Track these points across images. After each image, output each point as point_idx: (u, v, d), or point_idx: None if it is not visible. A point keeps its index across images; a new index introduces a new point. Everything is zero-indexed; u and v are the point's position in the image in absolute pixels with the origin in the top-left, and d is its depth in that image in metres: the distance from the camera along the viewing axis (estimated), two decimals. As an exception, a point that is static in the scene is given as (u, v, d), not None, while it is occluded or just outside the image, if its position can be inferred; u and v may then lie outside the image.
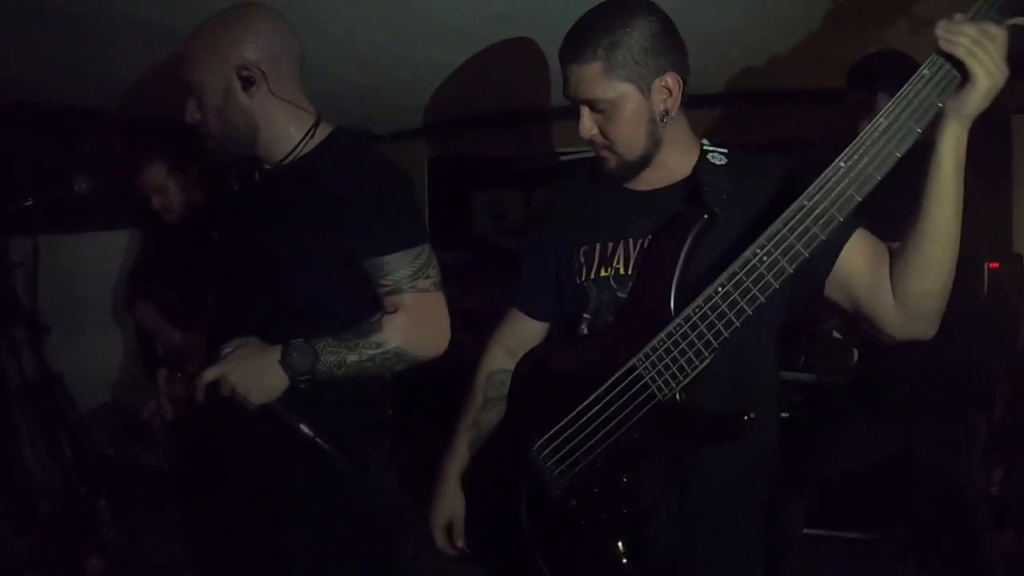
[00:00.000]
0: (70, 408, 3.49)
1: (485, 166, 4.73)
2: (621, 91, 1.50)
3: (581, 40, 1.49)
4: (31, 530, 3.43)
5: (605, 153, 1.59)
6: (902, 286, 1.43)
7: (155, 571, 3.35)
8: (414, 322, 1.70)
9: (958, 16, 1.23)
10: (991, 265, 3.54)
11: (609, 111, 1.52)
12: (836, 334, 1.60)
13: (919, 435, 2.49)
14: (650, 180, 1.63)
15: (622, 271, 1.59)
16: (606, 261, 1.61)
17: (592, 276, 1.63)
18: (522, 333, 1.85)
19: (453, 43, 2.90)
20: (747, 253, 1.34)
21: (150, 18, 2.38)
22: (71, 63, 2.83)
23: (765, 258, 1.33)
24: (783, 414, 3.44)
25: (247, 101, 1.71)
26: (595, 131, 1.57)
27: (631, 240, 1.60)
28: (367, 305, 1.75)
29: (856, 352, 2.83)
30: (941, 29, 1.23)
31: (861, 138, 1.27)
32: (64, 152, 3.34)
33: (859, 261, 1.48)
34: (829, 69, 2.98)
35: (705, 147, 1.64)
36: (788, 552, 2.73)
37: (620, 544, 1.54)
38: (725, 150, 1.63)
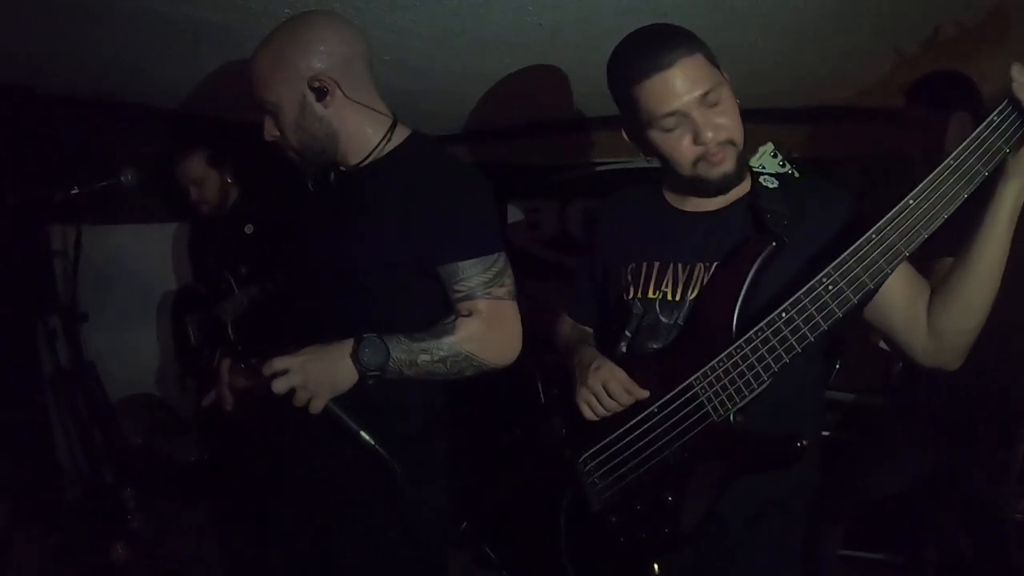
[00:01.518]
0: (102, 397, 3.54)
1: (521, 175, 4.74)
2: (723, 76, 1.51)
3: (674, 40, 1.47)
4: (58, 516, 3.46)
5: (728, 151, 1.51)
6: (940, 323, 1.45)
7: (178, 561, 3.36)
8: (488, 328, 1.67)
9: None
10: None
11: (721, 99, 1.48)
12: (883, 345, 1.60)
13: (956, 457, 2.46)
14: (703, 201, 1.62)
15: (670, 296, 1.59)
16: (655, 283, 1.62)
17: (639, 295, 1.63)
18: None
19: (498, 54, 2.90)
20: (813, 281, 1.36)
21: (189, 15, 2.41)
22: (116, 58, 2.86)
23: (831, 287, 1.35)
24: (825, 433, 3.44)
25: (323, 111, 1.69)
26: (722, 121, 1.49)
27: (680, 264, 1.59)
28: (441, 310, 1.72)
29: (900, 364, 2.81)
30: (1016, 72, 1.24)
31: (931, 178, 1.30)
32: (109, 144, 3.37)
33: (900, 294, 1.48)
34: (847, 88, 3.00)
35: (753, 168, 1.66)
36: (824, 570, 2.71)
37: (656, 566, 1.54)
38: (772, 172, 1.64)
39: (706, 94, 1.45)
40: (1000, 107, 1.28)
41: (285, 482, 1.92)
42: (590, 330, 1.91)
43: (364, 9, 2.42)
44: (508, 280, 1.71)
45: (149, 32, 2.55)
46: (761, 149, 2.22)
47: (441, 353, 1.63)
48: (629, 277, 1.66)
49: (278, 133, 1.74)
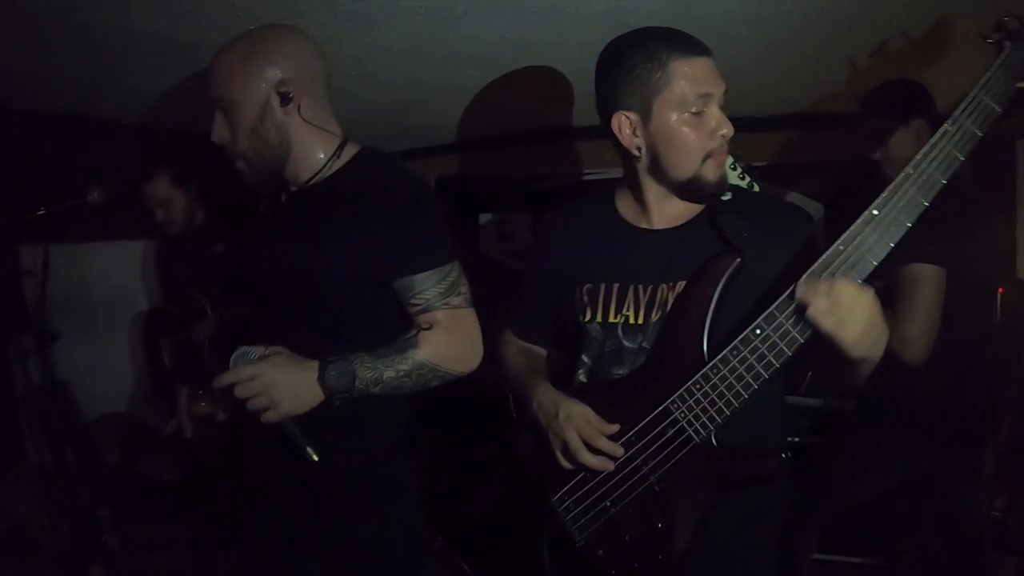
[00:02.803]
0: (75, 416, 3.51)
1: (493, 186, 4.73)
2: None
3: (697, 40, 1.50)
4: (34, 537, 3.42)
5: (727, 152, 1.54)
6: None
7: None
8: (449, 338, 1.67)
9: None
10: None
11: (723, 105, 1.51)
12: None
13: (927, 461, 2.48)
14: (663, 216, 1.60)
15: (632, 320, 1.56)
16: (615, 306, 1.58)
17: (598, 320, 1.60)
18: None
19: (466, 67, 2.91)
20: (785, 295, 1.35)
21: (162, 33, 2.40)
22: (85, 74, 2.84)
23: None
24: (790, 439, 3.46)
25: (282, 118, 1.69)
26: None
27: (641, 286, 1.57)
28: (398, 324, 1.72)
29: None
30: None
31: (892, 188, 1.32)
32: (76, 162, 3.35)
33: None
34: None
35: None
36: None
37: None
38: (731, 185, 1.63)
39: (724, 93, 1.49)
40: (952, 117, 1.31)
41: (258, 500, 1.90)
42: (540, 351, 1.86)
43: (331, 24, 2.43)
44: (464, 288, 1.71)
45: (118, 49, 2.55)
46: None
47: (405, 368, 1.63)
48: (585, 299, 1.62)
49: (228, 135, 1.72)
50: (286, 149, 1.72)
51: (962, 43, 2.48)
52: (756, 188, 2.20)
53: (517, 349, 1.84)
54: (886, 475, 2.53)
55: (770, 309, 1.37)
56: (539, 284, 1.78)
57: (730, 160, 1.76)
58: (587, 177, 4.15)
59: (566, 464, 1.55)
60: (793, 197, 3.91)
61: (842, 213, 3.82)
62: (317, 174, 1.76)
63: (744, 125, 3.70)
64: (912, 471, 2.52)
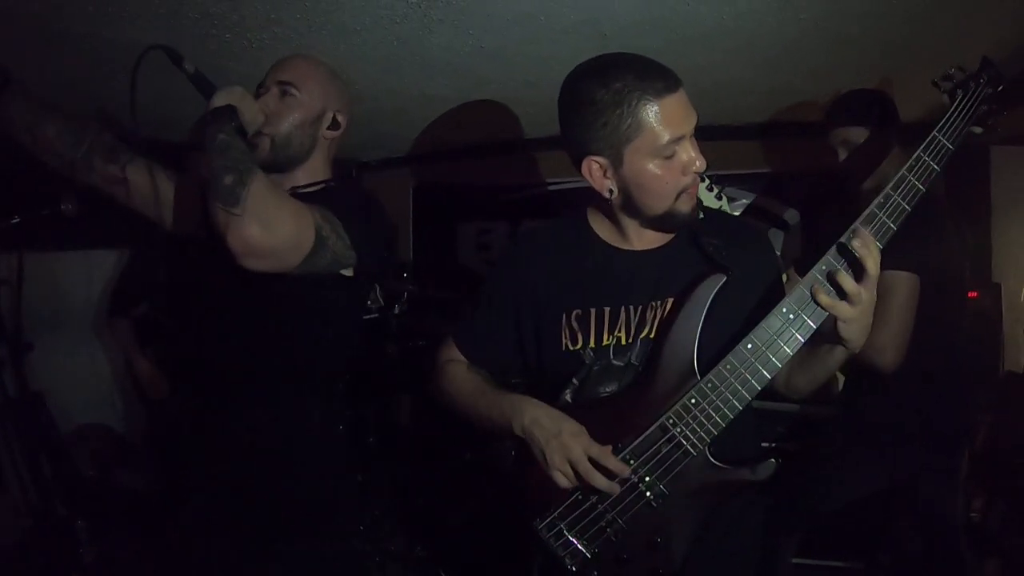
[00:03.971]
0: (51, 427, 3.48)
1: (470, 196, 4.74)
2: None
3: (666, 68, 1.45)
4: (10, 549, 3.39)
5: (698, 185, 1.54)
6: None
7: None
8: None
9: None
10: (970, 294, 3.59)
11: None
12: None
13: (902, 464, 2.50)
14: (642, 238, 1.60)
15: (623, 340, 1.56)
16: (607, 329, 1.57)
17: (591, 344, 1.58)
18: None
19: (442, 76, 2.93)
20: (772, 313, 1.42)
21: (139, 41, 2.38)
22: (61, 82, 2.83)
23: (791, 316, 1.41)
24: (764, 444, 3.48)
25: (321, 135, 1.87)
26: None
27: (632, 307, 1.57)
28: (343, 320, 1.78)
29: (841, 380, 2.86)
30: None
31: (866, 216, 1.41)
32: (50, 170, 3.33)
33: None
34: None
35: None
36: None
37: None
38: (705, 206, 1.64)
39: (696, 124, 1.47)
40: (915, 155, 1.44)
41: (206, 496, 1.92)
42: (484, 373, 1.78)
43: (307, 32, 2.43)
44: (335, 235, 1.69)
45: (94, 57, 2.55)
46: None
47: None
48: (575, 325, 1.59)
49: (274, 112, 1.80)
50: (304, 157, 1.86)
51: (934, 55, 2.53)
52: (726, 206, 2.23)
53: (466, 366, 1.75)
54: (862, 480, 2.55)
55: (760, 325, 1.41)
56: (503, 308, 1.71)
57: (707, 182, 1.78)
58: (564, 186, 4.17)
59: (565, 483, 1.48)
60: (770, 204, 3.95)
61: (816, 220, 3.87)
62: (305, 187, 1.85)
63: (720, 134, 3.78)
64: (888, 475, 2.53)
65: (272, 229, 1.52)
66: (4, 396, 3.36)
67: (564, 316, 1.60)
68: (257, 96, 1.80)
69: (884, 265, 2.11)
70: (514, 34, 2.48)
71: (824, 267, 1.39)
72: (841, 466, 2.55)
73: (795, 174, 3.82)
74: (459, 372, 1.72)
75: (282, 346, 1.77)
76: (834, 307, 1.35)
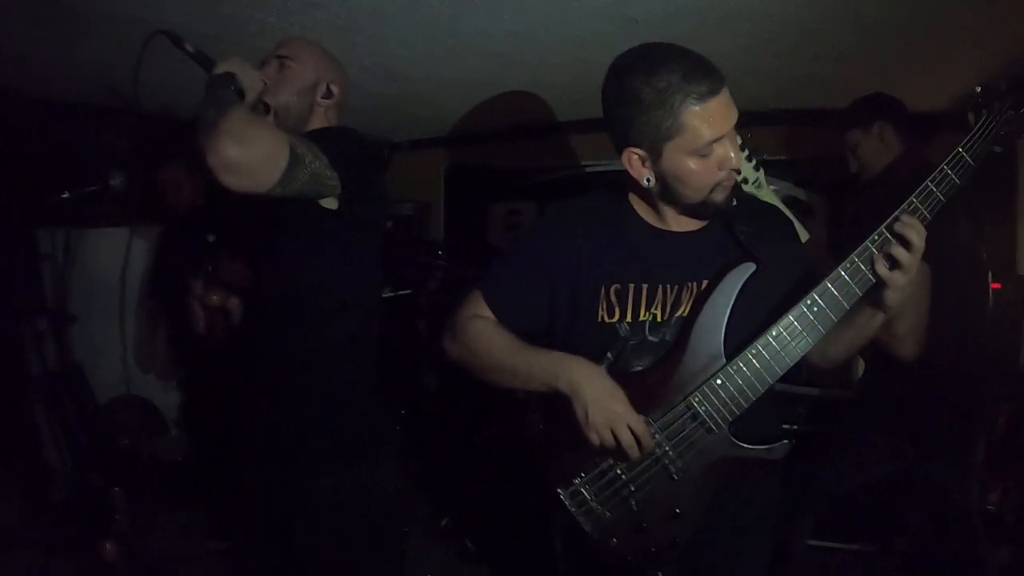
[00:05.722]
0: (89, 398, 3.58)
1: (501, 177, 4.80)
2: None
3: (713, 66, 1.48)
4: (47, 515, 3.50)
5: (734, 179, 1.58)
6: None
7: (166, 559, 3.41)
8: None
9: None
10: (993, 286, 3.61)
11: (734, 132, 1.54)
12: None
13: (920, 452, 2.54)
14: (679, 222, 1.65)
15: (659, 318, 1.62)
16: (645, 305, 1.62)
17: (628, 319, 1.62)
18: None
19: (475, 60, 2.99)
20: (798, 307, 1.49)
21: (178, 24, 2.47)
22: (103, 64, 2.92)
23: (815, 308, 1.49)
24: (787, 426, 3.52)
25: (316, 103, 2.07)
26: (738, 149, 1.55)
27: (669, 285, 1.62)
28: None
29: (862, 365, 2.89)
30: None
31: (896, 216, 1.47)
32: (96, 147, 3.44)
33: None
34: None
35: None
36: (792, 562, 2.77)
37: (660, 574, 1.62)
38: (742, 178, 1.72)
39: (734, 127, 1.52)
40: (936, 171, 1.49)
41: (249, 471, 2.07)
42: None
43: (347, 16, 2.50)
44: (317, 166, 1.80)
45: (136, 40, 2.61)
46: None
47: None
48: (613, 298, 1.64)
49: (272, 80, 2.01)
50: (303, 123, 2.06)
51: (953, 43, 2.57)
52: (762, 178, 2.27)
53: (495, 322, 1.72)
54: (877, 464, 2.60)
55: (786, 317, 1.49)
56: (539, 271, 1.70)
57: (745, 152, 1.83)
58: (595, 168, 4.23)
59: (599, 444, 1.52)
60: (796, 190, 3.98)
61: (841, 206, 3.89)
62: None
63: (744, 120, 3.80)
64: (903, 461, 2.57)
65: (245, 145, 1.63)
66: (44, 368, 3.48)
67: (603, 289, 1.64)
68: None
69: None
70: (545, 18, 2.53)
71: (873, 244, 1.47)
72: (857, 449, 2.60)
73: (819, 161, 3.84)
74: (489, 327, 1.71)
75: (297, 279, 1.96)
76: (890, 277, 1.44)
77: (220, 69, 1.80)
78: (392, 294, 4.02)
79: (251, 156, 1.64)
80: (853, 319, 1.55)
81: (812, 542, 3.49)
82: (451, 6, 2.44)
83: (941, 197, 1.48)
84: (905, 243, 1.42)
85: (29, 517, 3.47)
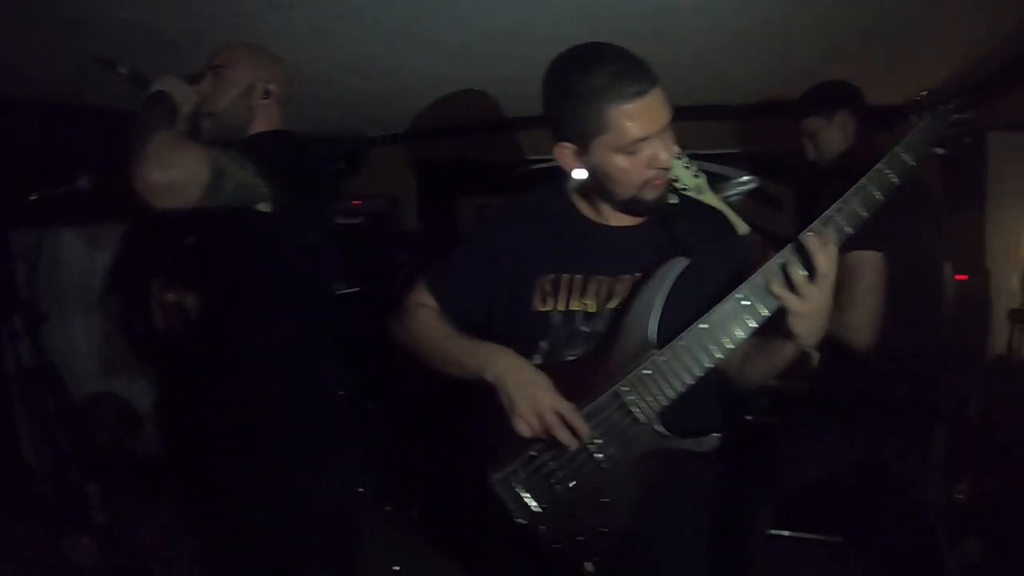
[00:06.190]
0: (65, 395, 3.60)
1: (471, 172, 4.81)
2: None
3: (646, 68, 1.50)
4: (26, 513, 3.52)
5: (667, 176, 1.60)
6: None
7: (143, 554, 3.43)
8: None
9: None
10: (958, 277, 3.64)
11: (669, 131, 1.56)
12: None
13: (876, 442, 2.56)
14: (618, 217, 1.69)
15: (591, 308, 1.64)
16: (576, 295, 1.66)
17: (559, 307, 1.66)
18: None
19: (444, 56, 3.01)
20: (729, 297, 1.50)
21: (151, 24, 2.49)
22: (75, 64, 2.91)
23: (744, 302, 1.49)
24: (748, 418, 3.56)
25: (255, 105, 2.14)
26: (672, 149, 1.56)
27: (602, 277, 1.65)
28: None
29: (816, 357, 2.89)
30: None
31: (827, 213, 1.48)
32: (66, 149, 3.43)
33: None
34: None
35: None
36: (754, 552, 2.80)
37: (590, 564, 1.66)
38: (680, 187, 1.75)
39: (668, 122, 1.54)
40: (875, 167, 1.50)
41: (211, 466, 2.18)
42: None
43: (319, 13, 2.52)
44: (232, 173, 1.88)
45: (108, 39, 2.62)
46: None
47: None
48: (547, 288, 1.68)
49: (210, 92, 2.08)
50: (246, 125, 2.14)
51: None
52: (703, 185, 2.29)
53: (437, 311, 1.79)
54: (836, 455, 2.62)
55: (717, 308, 1.50)
56: (480, 262, 1.77)
57: (685, 160, 1.86)
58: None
59: (527, 432, 1.55)
60: (763, 183, 4.00)
61: (811, 200, 3.91)
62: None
63: (710, 114, 3.82)
64: (862, 452, 2.59)
65: (168, 169, 1.75)
66: (20, 366, 3.50)
67: (539, 278, 1.68)
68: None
69: (850, 245, 2.19)
70: (512, 16, 2.56)
71: (781, 259, 1.46)
72: (815, 441, 2.61)
73: (786, 154, 3.87)
74: (430, 316, 1.77)
75: (238, 279, 2.07)
76: (785, 298, 1.43)
77: (154, 88, 1.89)
78: (355, 289, 4.02)
79: (173, 178, 1.76)
80: (766, 343, 1.57)
81: (780, 532, 3.55)
82: (420, 4, 2.45)
83: (878, 196, 1.49)
84: (811, 265, 1.41)
85: (9, 514, 3.48)
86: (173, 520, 3.71)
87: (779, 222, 3.96)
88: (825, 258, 1.40)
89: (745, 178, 3.87)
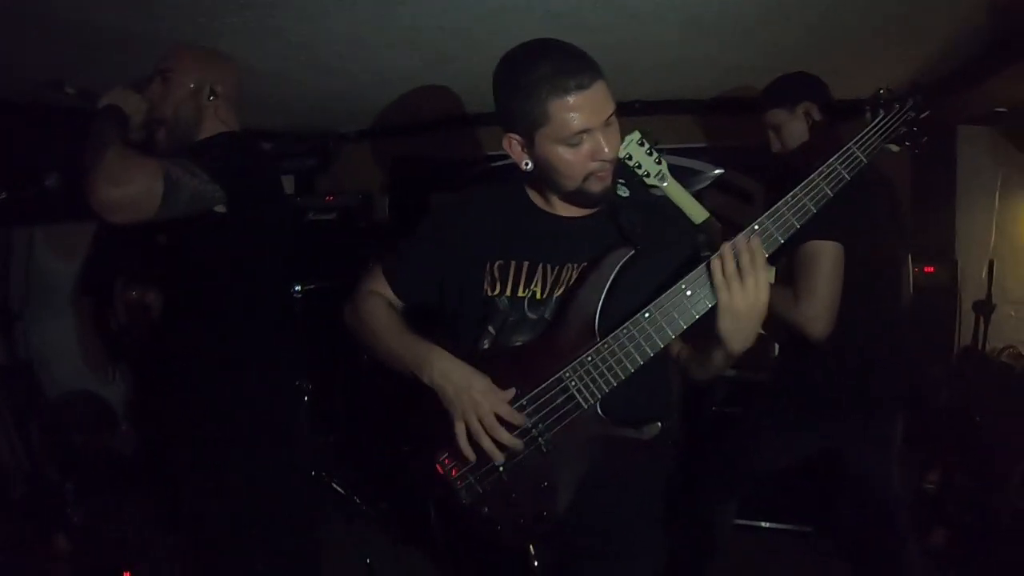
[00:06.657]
0: (39, 395, 3.61)
1: (443, 167, 4.82)
2: None
3: (589, 62, 1.53)
4: (2, 513, 3.53)
5: (612, 168, 1.62)
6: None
7: (118, 552, 3.44)
8: None
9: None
10: (927, 269, 3.69)
11: (614, 121, 1.60)
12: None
13: (835, 432, 2.58)
14: (568, 208, 1.73)
15: (538, 295, 1.68)
16: (524, 281, 1.70)
17: (506, 293, 1.70)
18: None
19: (408, 53, 3.03)
20: (673, 289, 1.55)
21: (118, 25, 2.49)
22: (44, 64, 2.93)
23: (688, 292, 1.54)
24: (711, 408, 3.60)
25: (203, 106, 2.15)
26: (615, 141, 1.59)
27: (550, 265, 1.70)
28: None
29: (776, 347, 2.93)
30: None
31: (776, 207, 1.55)
32: (35, 148, 3.43)
33: None
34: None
35: (620, 157, 1.77)
36: (720, 541, 2.84)
37: (532, 547, 1.69)
38: (622, 180, 1.76)
39: (611, 115, 1.57)
40: (827, 163, 1.56)
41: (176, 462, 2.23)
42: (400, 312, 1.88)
43: (277, 13, 2.53)
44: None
45: (76, 40, 2.63)
46: (627, 138, 2.34)
47: None
48: (496, 273, 1.72)
49: (158, 98, 2.12)
50: (197, 127, 2.17)
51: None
52: (665, 171, 2.32)
53: (387, 302, 1.84)
54: (796, 445, 2.64)
55: (660, 298, 1.55)
56: (434, 248, 1.81)
57: (638, 136, 1.89)
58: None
59: (471, 430, 1.60)
60: (734, 176, 4.03)
61: (780, 193, 3.94)
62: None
63: (674, 108, 3.84)
64: (821, 442, 2.62)
65: (121, 185, 1.79)
66: (-5, 364, 3.51)
67: (488, 264, 1.72)
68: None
69: (808, 235, 2.21)
70: (473, 14, 2.57)
71: (716, 254, 1.51)
72: (775, 431, 2.62)
73: (755, 148, 3.91)
74: (379, 305, 1.82)
75: (194, 277, 2.11)
76: (717, 289, 1.49)
77: (103, 102, 1.93)
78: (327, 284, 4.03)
79: (127, 194, 1.80)
80: (703, 347, 1.64)
81: (751, 523, 3.59)
82: (377, 3, 2.47)
83: (828, 191, 1.55)
84: (737, 263, 1.48)
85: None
86: (150, 518, 3.72)
87: (750, 215, 3.99)
88: (748, 256, 1.47)
89: (715, 172, 3.92)
